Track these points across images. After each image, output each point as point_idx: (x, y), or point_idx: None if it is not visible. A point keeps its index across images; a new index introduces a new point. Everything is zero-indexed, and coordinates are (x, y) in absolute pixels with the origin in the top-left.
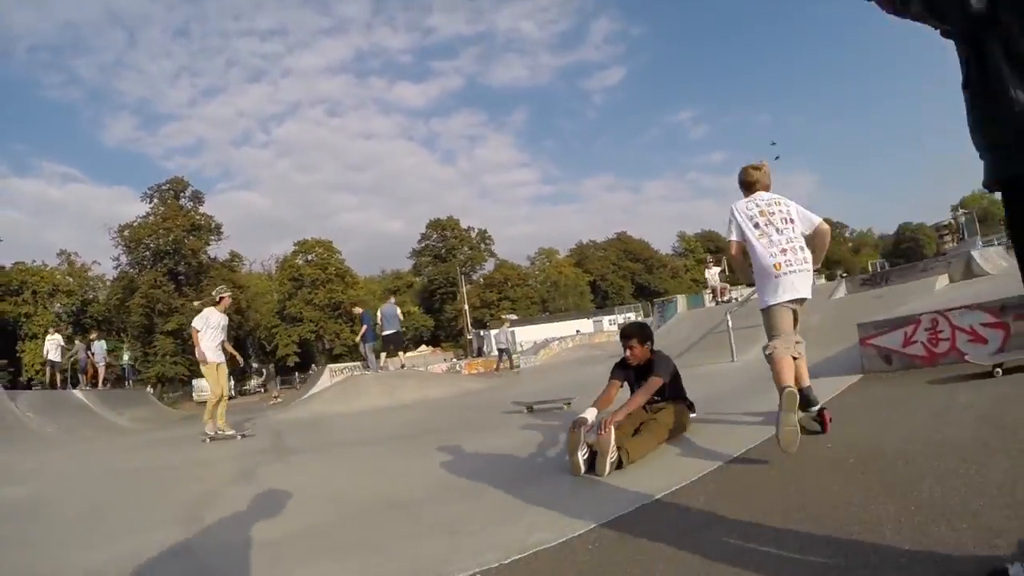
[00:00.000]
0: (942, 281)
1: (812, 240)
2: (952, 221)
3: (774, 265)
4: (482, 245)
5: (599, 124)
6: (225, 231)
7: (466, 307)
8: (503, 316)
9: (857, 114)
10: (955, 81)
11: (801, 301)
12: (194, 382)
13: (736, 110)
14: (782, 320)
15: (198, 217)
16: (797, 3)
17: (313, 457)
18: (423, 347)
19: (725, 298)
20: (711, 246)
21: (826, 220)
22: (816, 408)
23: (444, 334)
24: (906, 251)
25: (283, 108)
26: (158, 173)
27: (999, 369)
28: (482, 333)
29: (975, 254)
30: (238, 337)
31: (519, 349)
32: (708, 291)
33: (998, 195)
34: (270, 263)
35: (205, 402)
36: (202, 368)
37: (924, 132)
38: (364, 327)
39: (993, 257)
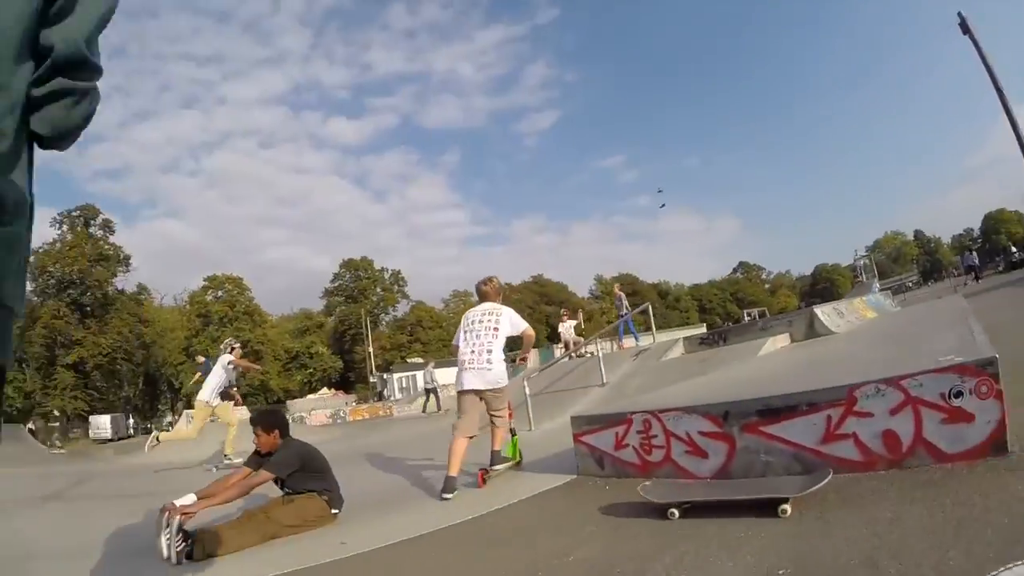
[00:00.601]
0: (775, 343)
1: (521, 340)
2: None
3: (461, 362)
4: (395, 286)
5: (530, 166)
6: (135, 263)
7: (370, 349)
8: (415, 360)
9: (780, 158)
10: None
11: (477, 392)
12: (91, 419)
13: (664, 155)
14: (462, 404)
15: (107, 247)
16: (725, 51)
17: None
18: (325, 390)
19: (579, 352)
20: (627, 289)
21: (744, 263)
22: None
23: (355, 376)
24: (822, 292)
25: (214, 137)
26: (81, 196)
27: (674, 511)
28: (385, 376)
29: (818, 311)
30: (147, 372)
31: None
32: (561, 345)
33: (910, 235)
34: (183, 296)
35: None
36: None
37: (844, 174)
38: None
39: (841, 313)
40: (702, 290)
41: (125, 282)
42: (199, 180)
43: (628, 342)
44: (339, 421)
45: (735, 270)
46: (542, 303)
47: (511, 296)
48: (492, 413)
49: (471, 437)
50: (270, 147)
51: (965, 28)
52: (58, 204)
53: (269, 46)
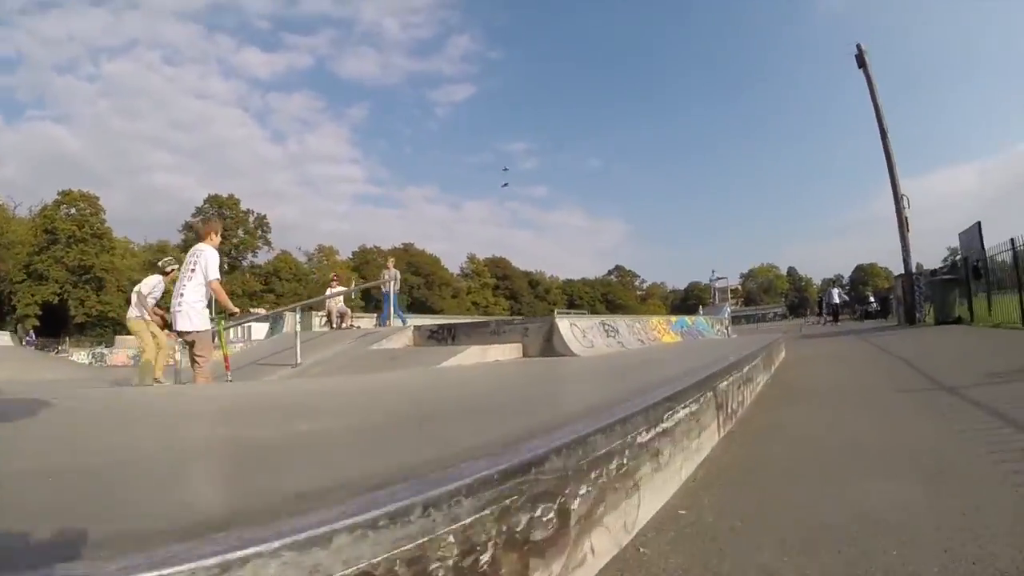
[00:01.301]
0: (486, 353)
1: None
2: (739, 287)
3: None
4: (259, 231)
5: (436, 136)
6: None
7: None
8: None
9: (678, 174)
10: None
11: (180, 333)
12: None
13: (568, 150)
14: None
15: None
16: (645, 68)
17: None
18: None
19: (345, 324)
20: (499, 272)
21: (620, 267)
22: None
23: None
24: (690, 307)
25: (119, 43)
26: None
27: None
28: None
29: (561, 324)
30: None
31: None
32: (323, 313)
33: (784, 271)
34: (38, 208)
35: None
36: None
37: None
38: None
39: (611, 331)
40: (574, 286)
41: None
42: (95, 86)
43: (396, 323)
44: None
45: (610, 272)
46: (408, 272)
47: (378, 261)
48: (193, 355)
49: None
50: (176, 64)
51: (861, 61)
52: None
53: None
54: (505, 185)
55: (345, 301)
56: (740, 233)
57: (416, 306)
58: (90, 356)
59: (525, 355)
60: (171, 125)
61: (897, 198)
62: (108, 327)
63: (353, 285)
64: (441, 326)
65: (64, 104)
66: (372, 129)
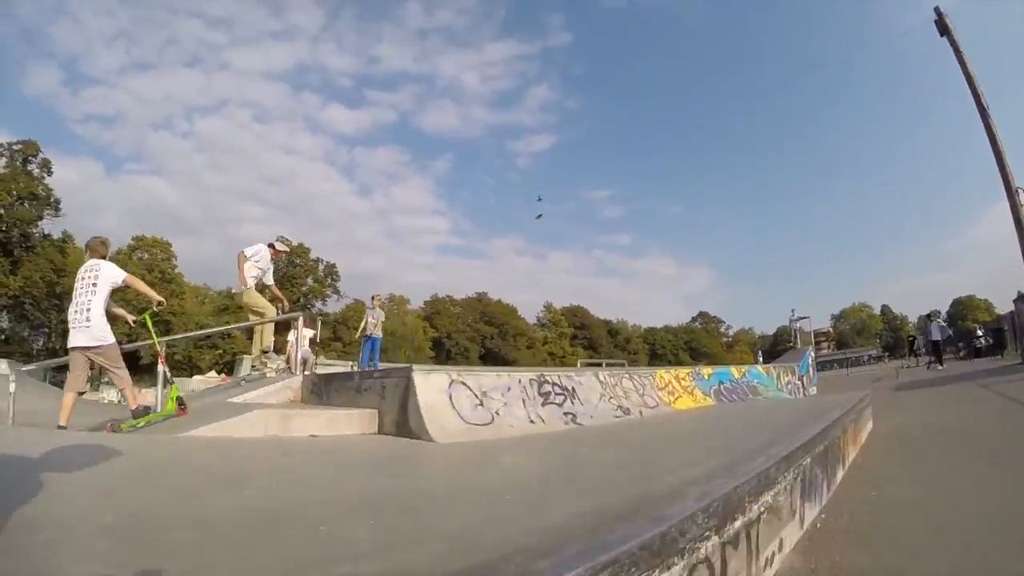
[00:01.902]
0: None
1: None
2: (830, 329)
3: (70, 321)
4: (328, 279)
5: (519, 186)
6: (63, 208)
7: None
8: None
9: (762, 218)
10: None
11: (83, 349)
12: None
13: (651, 197)
14: (71, 362)
15: (39, 187)
16: (723, 108)
17: None
18: (212, 373)
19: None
20: (577, 322)
21: (704, 313)
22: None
23: None
24: (781, 352)
25: (211, 102)
26: (70, 136)
27: None
28: None
29: (418, 383)
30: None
31: None
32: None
33: (877, 310)
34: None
35: None
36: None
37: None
38: None
39: (491, 401)
40: (656, 334)
41: (52, 226)
42: (189, 142)
43: None
44: None
45: (694, 319)
46: (481, 322)
47: (451, 310)
48: (110, 370)
49: (81, 393)
50: (265, 122)
51: (943, 28)
52: (48, 141)
53: (281, 19)
54: (539, 216)
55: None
56: (830, 274)
57: (489, 357)
58: (119, 395)
59: (381, 429)
60: (261, 179)
61: (1011, 191)
62: (176, 368)
63: (318, 325)
64: (322, 376)
65: (160, 158)
66: (455, 181)
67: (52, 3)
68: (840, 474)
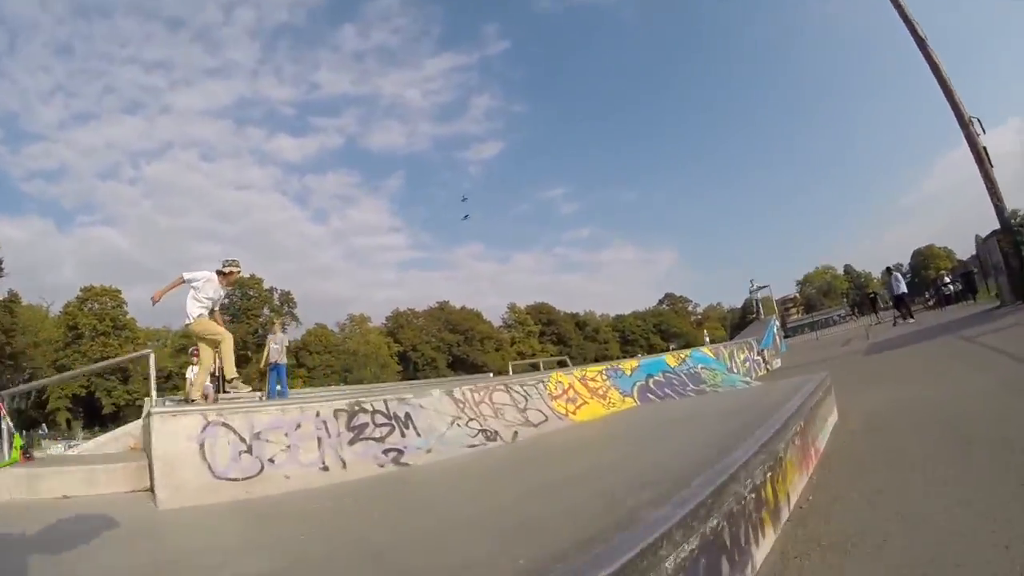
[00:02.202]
0: None
1: None
2: (796, 295)
3: None
4: (284, 307)
5: (473, 194)
6: (6, 268)
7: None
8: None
9: (714, 195)
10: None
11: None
12: None
13: (605, 188)
14: None
15: None
16: (662, 86)
17: None
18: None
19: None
20: (543, 318)
21: (670, 295)
22: None
23: None
24: (751, 323)
25: (156, 145)
26: (16, 195)
27: None
28: None
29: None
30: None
31: None
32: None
33: (840, 270)
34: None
35: None
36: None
37: (781, 209)
38: None
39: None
40: (625, 321)
41: None
42: (137, 188)
43: None
44: None
45: (661, 301)
46: (445, 330)
47: (414, 323)
48: None
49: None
50: (212, 160)
51: None
52: None
53: (218, 57)
54: (466, 217)
55: None
56: (791, 241)
57: (458, 364)
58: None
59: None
60: (215, 216)
61: (964, 122)
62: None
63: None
64: None
65: (110, 207)
66: (409, 197)
67: None
68: (766, 541)
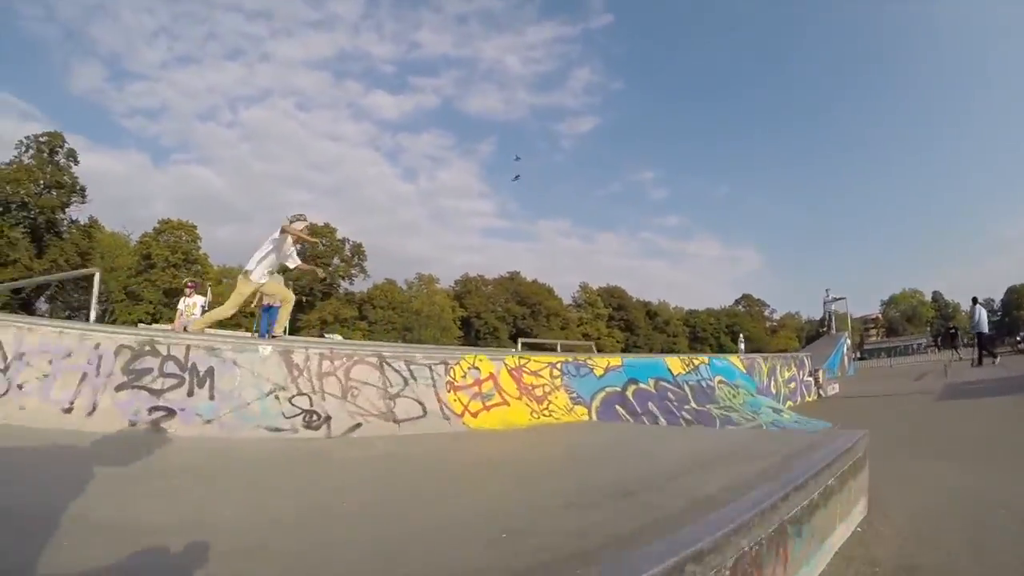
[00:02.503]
0: None
1: None
2: (879, 315)
3: None
4: (355, 259)
5: (564, 168)
6: (90, 195)
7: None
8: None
9: (809, 202)
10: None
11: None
12: None
13: (698, 178)
14: None
15: (64, 176)
16: (772, 81)
17: None
18: None
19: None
20: (614, 303)
21: (747, 296)
22: None
23: None
24: (821, 337)
25: (254, 92)
26: (117, 130)
27: None
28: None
29: None
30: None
31: None
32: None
33: (928, 296)
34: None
35: None
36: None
37: (874, 225)
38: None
39: None
40: (698, 316)
41: (79, 213)
42: (234, 132)
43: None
44: None
45: (737, 302)
46: (512, 301)
47: (483, 290)
48: None
49: None
50: (308, 110)
51: None
52: (96, 135)
53: (320, 9)
54: (516, 178)
55: None
56: (880, 257)
57: (520, 337)
58: None
59: None
60: (307, 165)
61: None
62: None
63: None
64: None
65: (206, 148)
66: (500, 164)
67: (92, 3)
68: None
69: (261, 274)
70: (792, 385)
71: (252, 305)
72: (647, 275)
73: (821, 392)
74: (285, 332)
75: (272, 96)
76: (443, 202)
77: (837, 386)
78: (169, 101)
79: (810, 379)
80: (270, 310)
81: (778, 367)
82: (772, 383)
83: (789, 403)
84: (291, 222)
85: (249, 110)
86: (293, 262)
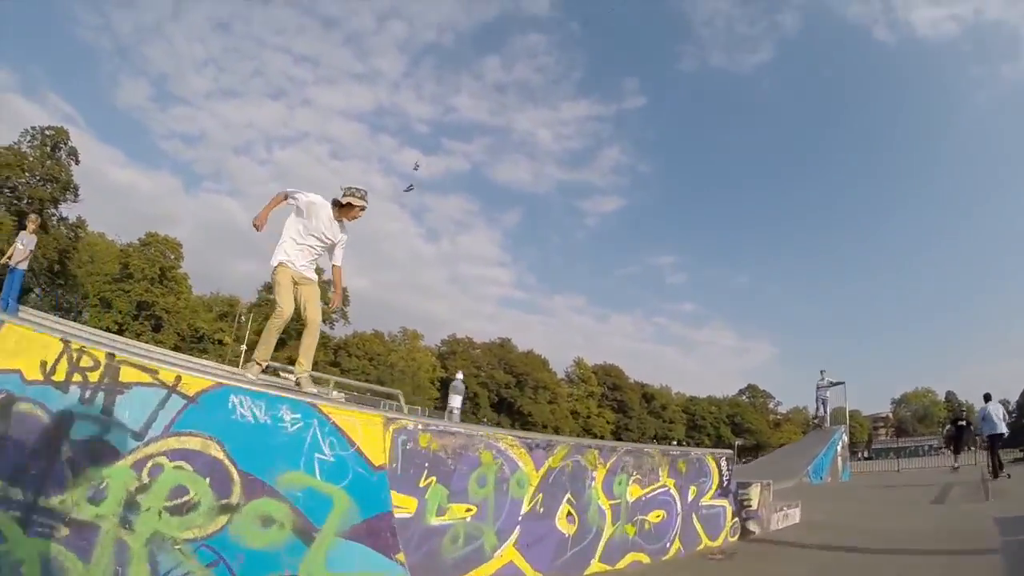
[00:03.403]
0: None
1: None
2: (890, 414)
3: None
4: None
5: (585, 246)
6: (82, 195)
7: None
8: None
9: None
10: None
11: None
12: None
13: (717, 266)
14: None
15: (58, 170)
16: (795, 171)
17: None
18: None
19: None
20: (609, 382)
21: (752, 386)
22: None
23: None
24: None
25: (292, 134)
26: (153, 150)
27: None
28: None
29: None
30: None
31: None
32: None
33: (941, 396)
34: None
35: None
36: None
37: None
38: None
39: None
40: (698, 404)
41: (70, 211)
42: (267, 169)
43: None
44: None
45: (741, 392)
46: (499, 369)
47: (469, 352)
48: None
49: None
50: (341, 159)
51: None
52: (132, 151)
53: (365, 63)
54: (410, 187)
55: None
56: (892, 355)
57: (503, 407)
58: None
59: None
60: None
61: None
62: None
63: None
64: None
65: (238, 181)
66: (523, 235)
67: (150, 24)
68: None
69: (282, 258)
70: (661, 514)
71: None
72: (656, 360)
73: (755, 526)
74: (307, 370)
75: (307, 140)
76: (462, 267)
77: (797, 513)
78: (208, 130)
79: (721, 503)
80: (14, 273)
81: (627, 475)
82: (591, 509)
83: (641, 555)
84: (345, 195)
85: (284, 150)
86: (338, 257)
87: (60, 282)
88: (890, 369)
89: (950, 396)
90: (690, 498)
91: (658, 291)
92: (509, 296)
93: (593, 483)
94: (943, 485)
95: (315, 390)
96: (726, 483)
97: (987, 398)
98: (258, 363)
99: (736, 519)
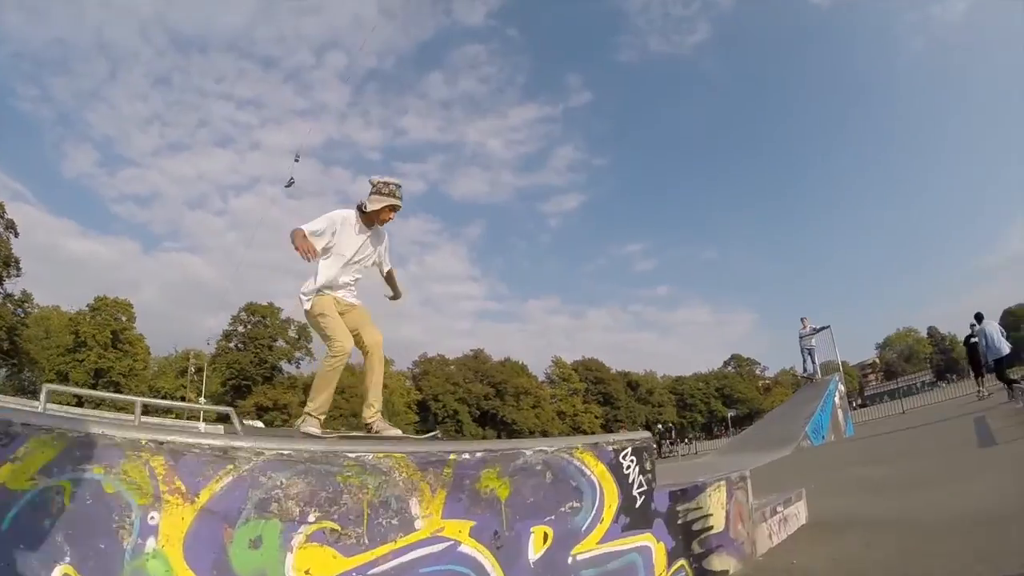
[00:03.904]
0: None
1: None
2: (876, 359)
3: None
4: (300, 340)
5: (551, 247)
6: (24, 268)
7: (203, 399)
8: None
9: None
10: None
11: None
12: None
13: (683, 244)
14: None
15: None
16: (744, 141)
17: None
18: None
19: None
20: (591, 376)
21: (736, 356)
22: None
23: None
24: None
25: (243, 180)
26: (107, 216)
27: None
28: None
29: None
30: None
31: None
32: None
33: (924, 333)
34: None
35: None
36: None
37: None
38: None
39: None
40: (685, 383)
41: (14, 286)
42: (224, 220)
43: None
44: None
45: (727, 363)
46: (476, 381)
47: (443, 370)
48: None
49: None
50: (297, 198)
51: None
52: (86, 219)
53: (308, 98)
54: (291, 182)
55: None
56: (870, 303)
57: (487, 420)
58: None
59: None
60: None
61: None
62: None
63: None
64: None
65: (196, 236)
66: (488, 247)
67: (87, 89)
68: None
69: (314, 290)
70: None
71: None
72: (639, 347)
73: (728, 560)
74: (375, 413)
75: (260, 183)
76: (433, 287)
77: (801, 508)
78: (160, 188)
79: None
80: None
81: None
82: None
83: None
84: (373, 190)
85: (239, 198)
86: (386, 263)
87: (13, 361)
88: (870, 314)
89: (933, 331)
90: (533, 553)
91: (629, 279)
92: (483, 309)
93: None
94: (972, 421)
95: (398, 432)
96: (639, 498)
97: (979, 318)
98: (316, 416)
99: (683, 561)
